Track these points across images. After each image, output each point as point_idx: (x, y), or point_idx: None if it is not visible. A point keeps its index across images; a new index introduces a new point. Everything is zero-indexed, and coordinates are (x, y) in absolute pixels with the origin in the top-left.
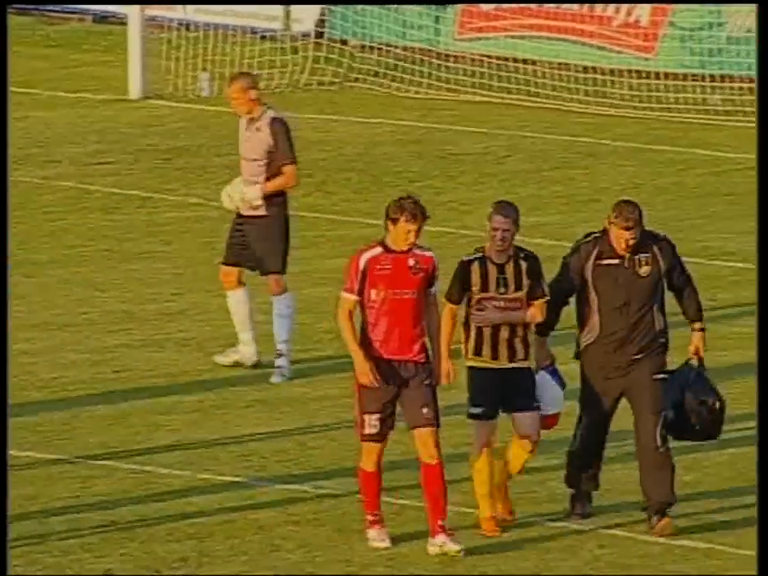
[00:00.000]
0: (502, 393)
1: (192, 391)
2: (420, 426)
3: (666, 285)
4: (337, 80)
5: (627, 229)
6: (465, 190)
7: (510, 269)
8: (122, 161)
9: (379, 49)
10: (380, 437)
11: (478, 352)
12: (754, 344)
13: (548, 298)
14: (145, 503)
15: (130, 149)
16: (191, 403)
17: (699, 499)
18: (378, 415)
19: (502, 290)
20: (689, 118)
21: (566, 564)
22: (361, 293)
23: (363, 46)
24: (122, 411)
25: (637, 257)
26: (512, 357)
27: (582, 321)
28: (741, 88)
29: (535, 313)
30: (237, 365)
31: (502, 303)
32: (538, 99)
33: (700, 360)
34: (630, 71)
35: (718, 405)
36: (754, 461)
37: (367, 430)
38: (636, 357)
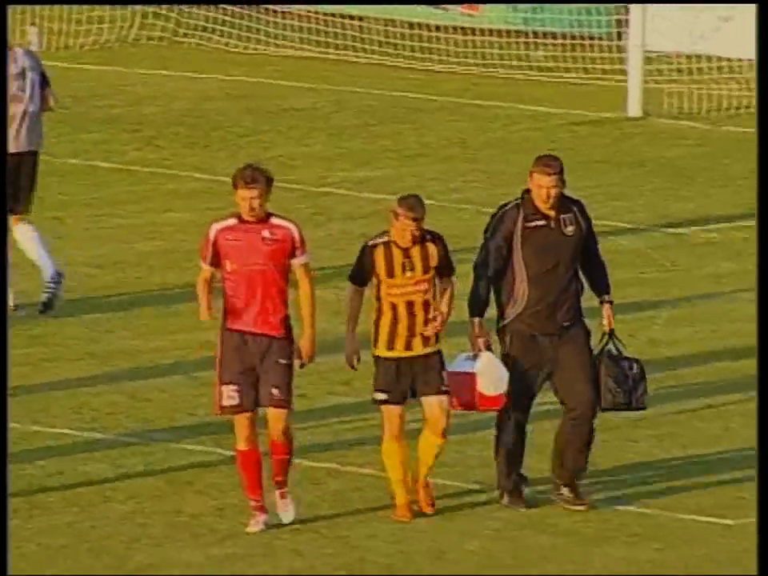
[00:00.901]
0: (411, 379)
1: (22, 345)
2: (269, 406)
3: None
4: (166, 35)
5: (548, 174)
6: (294, 144)
7: (416, 252)
8: None
9: (207, 4)
10: (239, 409)
11: (390, 347)
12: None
13: (455, 273)
14: None
15: None
16: (21, 356)
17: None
18: (234, 386)
19: (409, 273)
20: (513, 74)
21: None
22: (217, 264)
23: (192, 2)
24: None
25: (562, 217)
26: (425, 343)
27: (507, 293)
28: (563, 45)
29: (448, 294)
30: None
31: (408, 288)
32: (365, 55)
33: (611, 332)
34: (455, 28)
35: (636, 369)
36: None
37: (225, 402)
38: (566, 324)
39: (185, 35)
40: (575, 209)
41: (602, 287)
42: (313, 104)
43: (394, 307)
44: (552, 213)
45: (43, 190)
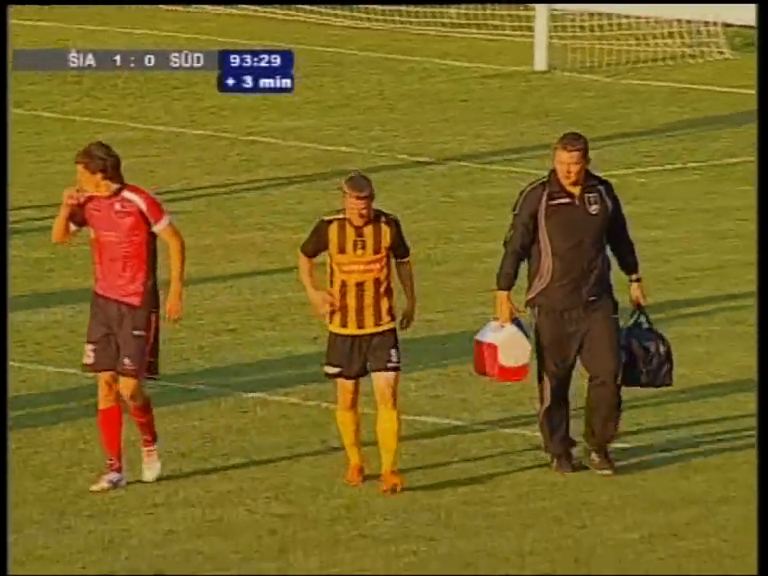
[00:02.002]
0: (365, 355)
1: None
2: (121, 374)
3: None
4: None
5: (569, 151)
6: (224, 96)
7: (368, 231)
8: None
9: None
10: (95, 367)
11: (344, 324)
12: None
13: (409, 257)
14: None
15: None
16: None
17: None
18: (92, 346)
19: (360, 252)
20: (428, 30)
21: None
22: (81, 227)
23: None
24: None
25: (586, 195)
26: (377, 321)
27: (534, 267)
28: (475, 5)
29: (406, 274)
30: None
31: (359, 266)
32: (290, 12)
33: (641, 309)
34: None
35: (662, 348)
36: None
37: (84, 360)
38: (591, 299)
39: None
40: (602, 188)
41: (630, 266)
42: None
43: (344, 284)
44: (576, 191)
45: None
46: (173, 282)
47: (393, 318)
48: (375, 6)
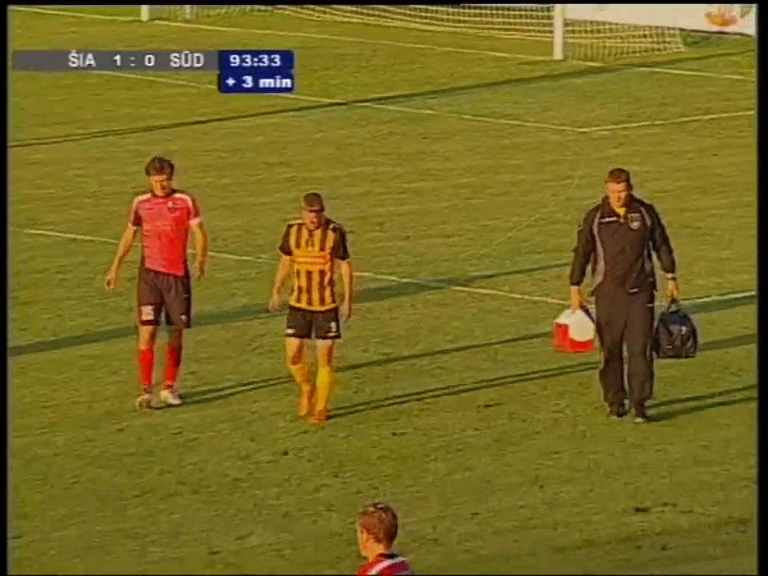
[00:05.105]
0: (310, 325)
1: None
2: (173, 324)
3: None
4: None
5: (618, 182)
6: None
7: (318, 234)
8: None
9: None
10: (151, 322)
11: (298, 300)
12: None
13: (349, 260)
14: None
15: None
16: None
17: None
18: (149, 307)
19: (309, 248)
20: (481, 31)
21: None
22: (138, 224)
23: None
24: None
25: (629, 215)
26: (321, 302)
27: (593, 268)
28: (514, 14)
29: (345, 272)
30: None
31: (308, 258)
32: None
33: (674, 300)
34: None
35: (684, 330)
36: None
37: (142, 317)
38: (633, 291)
39: None
40: (642, 209)
41: (667, 267)
42: None
43: (298, 272)
44: (622, 212)
45: None
46: (199, 256)
47: (334, 300)
48: (450, 9)
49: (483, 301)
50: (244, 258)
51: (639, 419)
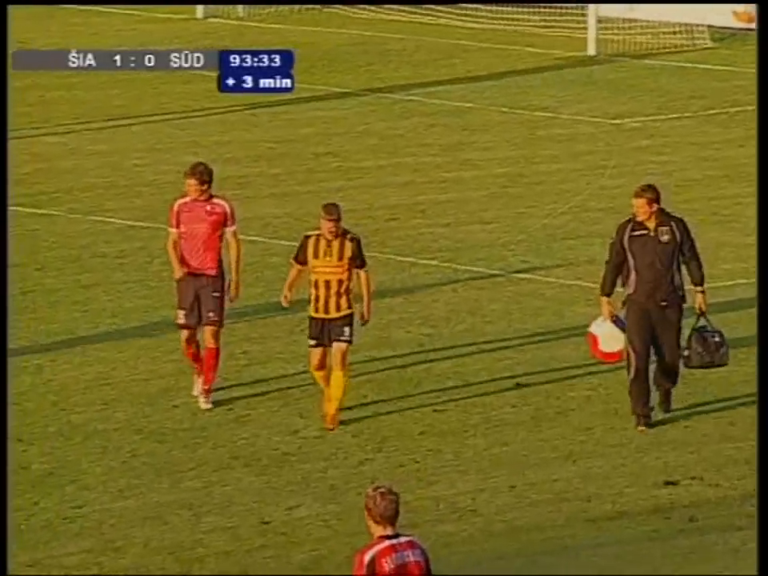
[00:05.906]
0: (329, 332)
1: None
2: (205, 324)
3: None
4: None
5: (640, 198)
6: None
7: (336, 244)
8: None
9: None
10: (187, 325)
11: (316, 311)
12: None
13: (366, 268)
14: None
15: None
16: None
17: None
18: (183, 311)
19: (328, 258)
20: (520, 29)
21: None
22: (178, 226)
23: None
24: None
25: (659, 228)
26: (338, 310)
27: (624, 279)
28: (553, 12)
29: (363, 281)
30: None
31: (327, 269)
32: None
33: (702, 312)
34: None
35: (717, 338)
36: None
37: (178, 320)
38: (662, 303)
39: None
40: (672, 223)
41: (696, 280)
42: None
43: (316, 282)
44: (652, 225)
45: None
46: (233, 274)
47: (350, 306)
48: (490, 7)
49: (519, 284)
50: (293, 243)
51: (665, 410)
